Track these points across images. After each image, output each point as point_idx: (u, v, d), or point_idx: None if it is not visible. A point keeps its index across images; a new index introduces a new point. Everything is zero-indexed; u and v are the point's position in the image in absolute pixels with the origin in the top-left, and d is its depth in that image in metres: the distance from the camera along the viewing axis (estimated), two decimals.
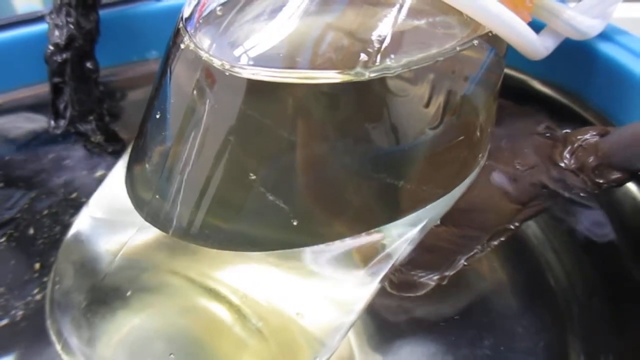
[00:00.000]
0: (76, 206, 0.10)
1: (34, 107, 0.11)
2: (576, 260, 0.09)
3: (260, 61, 0.07)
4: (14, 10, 0.23)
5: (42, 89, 0.11)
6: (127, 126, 0.12)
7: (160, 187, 0.08)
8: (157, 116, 0.08)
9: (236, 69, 0.07)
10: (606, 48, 0.09)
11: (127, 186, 0.08)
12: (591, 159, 0.08)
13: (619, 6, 0.08)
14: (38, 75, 0.11)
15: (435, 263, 0.08)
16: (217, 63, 0.07)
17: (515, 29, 0.07)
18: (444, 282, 0.08)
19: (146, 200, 0.08)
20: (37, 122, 0.10)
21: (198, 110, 0.07)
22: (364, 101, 0.07)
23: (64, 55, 0.10)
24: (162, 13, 0.11)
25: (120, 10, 0.11)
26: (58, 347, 0.08)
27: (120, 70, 0.12)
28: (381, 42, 0.07)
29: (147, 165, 0.08)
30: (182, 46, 0.07)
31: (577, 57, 0.09)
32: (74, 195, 0.10)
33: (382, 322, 0.09)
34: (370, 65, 0.07)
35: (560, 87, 0.09)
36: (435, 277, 0.08)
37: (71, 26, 0.09)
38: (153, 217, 0.08)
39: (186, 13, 0.08)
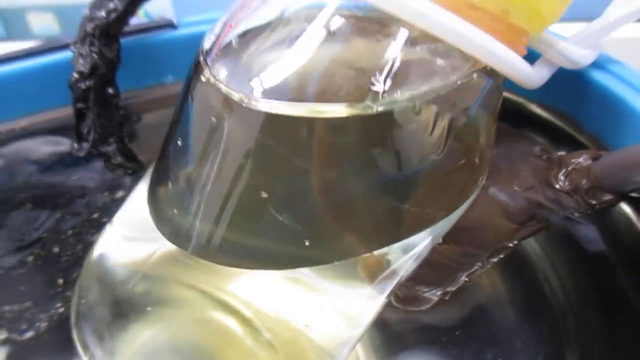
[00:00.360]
0: (98, 226, 0.10)
1: (58, 130, 0.11)
2: (572, 275, 0.10)
3: (274, 94, 0.08)
4: (29, 29, 0.23)
5: (65, 113, 0.12)
6: (144, 147, 0.12)
7: (181, 207, 0.08)
8: (179, 142, 0.08)
9: (252, 102, 0.07)
10: (598, 76, 0.09)
11: (149, 205, 0.09)
12: (584, 181, 0.08)
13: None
14: (61, 100, 0.11)
15: (438, 279, 0.09)
16: (234, 96, 0.08)
17: (510, 64, 0.07)
18: (447, 297, 0.09)
19: (167, 219, 0.09)
20: (61, 145, 0.11)
21: (217, 137, 0.08)
22: (371, 131, 0.07)
23: (88, 83, 0.10)
24: (178, 40, 0.12)
25: (139, 38, 0.12)
26: (85, 358, 0.09)
27: (138, 94, 0.12)
28: (388, 76, 0.07)
29: (169, 187, 0.09)
30: (203, 79, 0.08)
31: (572, 84, 0.09)
32: (96, 215, 0.10)
33: (389, 334, 0.10)
34: (377, 98, 0.07)
35: (555, 111, 0.10)
36: (438, 293, 0.09)
37: (95, 55, 0.10)
38: (174, 235, 0.08)
39: (206, 45, 0.09)
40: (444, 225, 0.09)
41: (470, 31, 0.07)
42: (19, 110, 0.12)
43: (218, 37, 0.09)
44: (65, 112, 0.12)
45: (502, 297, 0.10)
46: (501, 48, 0.07)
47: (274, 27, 0.09)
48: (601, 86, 0.09)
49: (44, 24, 0.21)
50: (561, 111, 0.10)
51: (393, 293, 0.09)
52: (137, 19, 0.12)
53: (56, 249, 0.10)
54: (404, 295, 0.09)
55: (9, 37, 0.22)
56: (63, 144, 0.11)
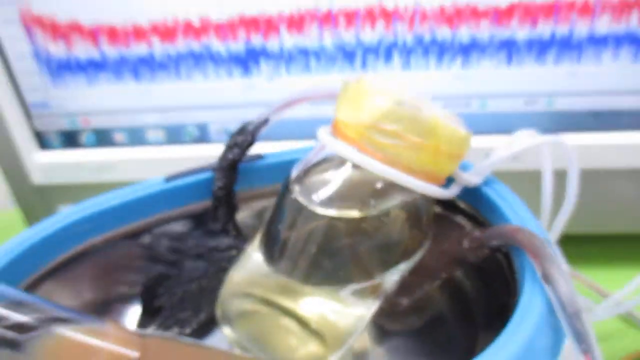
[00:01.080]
0: (226, 268, 0.19)
1: (199, 215, 0.21)
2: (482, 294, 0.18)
3: (321, 203, 0.16)
4: (146, 139, 0.33)
5: (200, 206, 0.21)
6: (242, 224, 0.21)
7: (281, 255, 0.17)
8: (279, 224, 0.17)
9: (311, 207, 0.16)
10: (485, 189, 0.18)
11: (263, 254, 0.18)
12: (478, 243, 0.17)
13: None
14: (203, 197, 0.20)
15: (403, 293, 0.17)
16: (303, 202, 0.17)
17: (433, 191, 0.16)
18: (405, 304, 0.17)
19: (274, 259, 0.17)
20: (201, 224, 0.20)
21: (298, 222, 0.17)
22: (370, 223, 0.16)
23: (221, 193, 0.19)
24: (262, 165, 0.21)
25: (243, 163, 0.21)
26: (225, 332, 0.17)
27: (239, 194, 0.22)
28: (375, 195, 0.16)
29: (275, 246, 0.17)
30: (289, 193, 0.17)
31: (474, 192, 0.18)
32: (223, 263, 0.19)
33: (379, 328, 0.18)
34: (371, 208, 0.16)
35: (467, 203, 0.19)
36: (404, 301, 0.17)
37: (227, 178, 0.19)
38: (276, 268, 0.17)
39: (293, 175, 0.18)
40: (409, 264, 0.17)
41: (410, 180, 0.16)
42: (176, 204, 0.21)
43: (300, 172, 0.17)
44: (199, 206, 0.21)
45: (441, 309, 0.18)
46: (423, 185, 0.16)
47: (323, 165, 0.18)
48: (485, 193, 0.18)
49: (156, 137, 0.31)
50: (471, 204, 0.19)
51: (381, 301, 0.17)
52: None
53: (205, 282, 0.19)
54: (385, 302, 0.18)
55: (131, 143, 0.32)
56: (203, 223, 0.20)
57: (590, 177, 0.23)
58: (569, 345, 0.14)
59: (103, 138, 0.29)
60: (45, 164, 0.29)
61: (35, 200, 0.29)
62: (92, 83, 0.27)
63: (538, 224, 0.16)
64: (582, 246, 0.28)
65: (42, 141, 0.29)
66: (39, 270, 0.17)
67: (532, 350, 0.13)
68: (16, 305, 0.15)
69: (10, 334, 0.15)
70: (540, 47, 0.24)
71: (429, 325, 0.17)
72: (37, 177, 0.29)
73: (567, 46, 0.24)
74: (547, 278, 0.14)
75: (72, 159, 0.28)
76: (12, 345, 0.15)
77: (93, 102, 0.28)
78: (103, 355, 0.15)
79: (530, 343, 0.13)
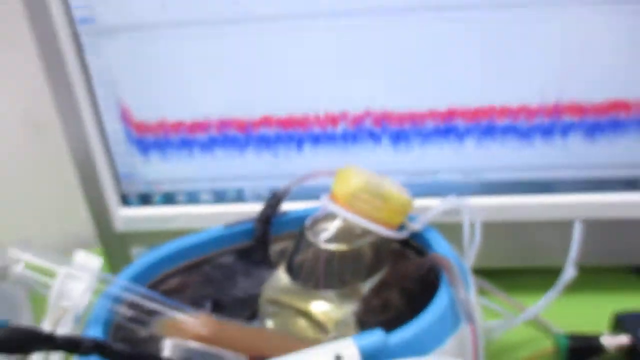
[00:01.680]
0: (261, 285, 0.30)
1: (245, 250, 0.32)
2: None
3: (325, 241, 0.27)
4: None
5: (249, 244, 0.32)
6: (274, 257, 0.32)
7: (299, 272, 0.28)
8: (298, 254, 0.28)
9: (319, 244, 0.27)
10: (424, 231, 0.29)
11: (287, 273, 0.28)
12: (419, 265, 0.28)
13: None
14: (248, 239, 0.32)
15: (374, 296, 0.28)
16: (313, 240, 0.28)
17: (388, 234, 0.27)
18: (375, 304, 0.28)
19: (294, 275, 0.28)
20: (245, 257, 0.31)
21: (310, 254, 0.28)
22: (353, 252, 0.27)
23: (260, 237, 0.31)
24: (284, 218, 0.33)
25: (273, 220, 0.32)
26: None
27: (272, 236, 0.33)
28: (356, 237, 0.27)
29: (294, 267, 0.28)
30: (306, 237, 0.28)
31: (418, 234, 0.29)
32: (260, 282, 0.30)
33: (358, 319, 0.29)
34: (353, 245, 0.27)
35: (414, 241, 0.30)
36: (375, 301, 0.28)
37: (263, 228, 0.31)
38: (297, 281, 0.28)
39: (307, 224, 0.29)
40: (377, 278, 0.28)
41: (376, 227, 0.27)
42: (230, 244, 0.32)
43: (309, 221, 0.29)
44: (245, 244, 0.32)
45: (399, 307, 0.28)
46: (387, 231, 0.27)
47: (325, 218, 0.29)
48: (424, 235, 0.29)
49: (207, 198, 0.42)
50: (416, 242, 0.30)
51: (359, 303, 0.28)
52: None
53: (249, 292, 0.30)
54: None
55: (188, 202, 0.43)
56: (247, 257, 0.31)
57: (516, 227, 0.35)
58: (464, 325, 0.25)
59: (169, 199, 0.40)
60: (126, 217, 0.40)
61: (115, 242, 0.41)
62: (164, 160, 0.39)
63: (454, 254, 0.27)
64: (515, 276, 0.39)
65: (125, 200, 0.40)
66: (151, 280, 0.28)
67: (440, 322, 0.24)
68: (144, 298, 0.26)
69: (142, 316, 0.26)
70: (477, 136, 0.36)
71: (391, 316, 0.28)
72: (119, 226, 0.40)
73: (490, 134, 0.36)
74: (452, 284, 0.25)
75: (145, 213, 0.40)
76: (143, 323, 0.26)
77: (163, 174, 0.39)
78: (188, 330, 0.25)
79: (440, 318, 0.24)
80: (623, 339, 0.34)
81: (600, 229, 0.37)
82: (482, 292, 0.37)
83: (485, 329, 0.34)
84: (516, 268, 0.40)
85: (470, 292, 0.26)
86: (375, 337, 0.21)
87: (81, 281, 0.24)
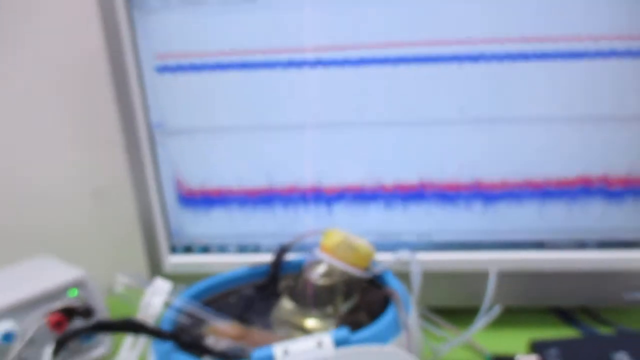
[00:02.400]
0: (272, 309, 0.44)
1: (262, 286, 0.46)
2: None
3: (317, 278, 0.42)
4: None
5: (265, 281, 0.46)
6: (281, 289, 0.46)
7: (299, 299, 0.42)
8: (298, 286, 0.42)
9: (313, 279, 0.42)
10: (384, 273, 0.43)
11: (290, 299, 0.42)
12: (380, 294, 0.41)
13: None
14: (263, 277, 0.46)
15: (349, 314, 0.42)
16: (309, 277, 0.42)
17: (359, 273, 0.42)
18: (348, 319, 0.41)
19: (296, 301, 0.42)
20: (262, 290, 0.45)
21: (307, 286, 0.41)
22: (334, 286, 0.41)
23: (273, 275, 0.45)
24: (291, 263, 0.47)
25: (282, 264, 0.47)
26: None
27: (281, 275, 0.47)
28: (338, 275, 0.41)
29: (295, 295, 0.42)
30: (304, 274, 0.42)
31: (380, 275, 0.44)
32: (271, 307, 0.44)
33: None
34: (336, 280, 0.41)
35: (376, 279, 0.44)
36: (349, 317, 0.41)
37: (274, 270, 0.45)
38: (297, 305, 0.41)
39: (304, 266, 0.43)
40: (351, 302, 0.41)
41: (350, 269, 0.41)
42: (250, 280, 0.46)
43: (306, 264, 0.43)
44: (262, 281, 0.46)
45: (364, 322, 0.42)
46: (359, 271, 0.41)
47: (316, 262, 0.43)
48: (384, 276, 0.43)
49: (233, 248, 0.57)
50: (377, 280, 0.44)
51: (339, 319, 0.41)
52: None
53: (264, 313, 0.43)
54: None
55: (219, 252, 0.57)
56: (263, 290, 0.45)
57: (456, 275, 0.48)
58: (405, 332, 0.38)
59: (205, 249, 0.55)
60: (173, 263, 0.54)
61: None
62: (203, 222, 0.54)
63: (402, 288, 0.41)
64: (460, 313, 0.52)
65: (173, 249, 0.55)
66: (199, 300, 0.42)
67: (387, 328, 0.38)
68: (196, 310, 0.40)
69: (194, 322, 0.40)
70: (434, 203, 0.51)
71: (359, 328, 0.41)
72: (168, 269, 0.54)
73: (445, 199, 0.51)
74: (397, 306, 0.39)
75: (188, 260, 0.54)
76: (195, 326, 0.40)
77: (200, 232, 0.54)
78: (227, 332, 0.39)
79: (387, 326, 0.38)
80: (532, 358, 0.47)
81: (521, 280, 0.51)
82: (432, 322, 0.51)
83: (434, 349, 0.48)
84: (461, 307, 0.53)
85: (409, 313, 0.40)
86: (343, 332, 0.35)
87: (159, 296, 0.38)
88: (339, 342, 0.34)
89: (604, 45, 0.45)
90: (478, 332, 0.48)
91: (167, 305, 0.39)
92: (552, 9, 0.45)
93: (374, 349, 0.34)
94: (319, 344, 0.34)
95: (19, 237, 0.67)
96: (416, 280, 0.43)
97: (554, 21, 0.45)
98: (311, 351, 0.34)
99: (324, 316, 0.41)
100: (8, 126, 0.65)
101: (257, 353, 0.34)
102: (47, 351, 0.33)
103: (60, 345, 0.33)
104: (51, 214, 0.67)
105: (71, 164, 0.66)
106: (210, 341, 0.38)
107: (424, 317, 0.50)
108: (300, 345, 0.34)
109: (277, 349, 0.34)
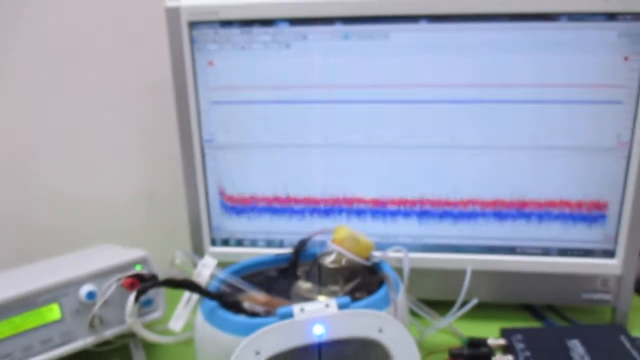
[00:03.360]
0: (291, 287, 0.56)
1: (284, 269, 0.58)
2: None
3: (329, 263, 0.54)
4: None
5: (287, 265, 0.58)
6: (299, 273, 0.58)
7: (314, 278, 0.53)
8: (313, 269, 0.54)
9: (325, 263, 0.54)
10: (381, 262, 0.55)
11: (306, 280, 0.54)
12: (377, 277, 0.53)
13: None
14: (287, 262, 0.58)
15: (353, 289, 0.53)
16: (322, 262, 0.54)
17: (362, 261, 0.54)
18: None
19: (310, 280, 0.53)
20: (284, 272, 0.57)
21: (321, 269, 0.53)
22: (343, 269, 0.53)
23: (293, 261, 0.57)
24: (307, 253, 0.59)
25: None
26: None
27: (299, 262, 0.59)
28: (345, 261, 0.53)
29: (311, 276, 0.54)
30: (318, 261, 0.54)
31: (377, 263, 0.56)
32: (291, 286, 0.56)
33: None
34: (343, 265, 0.53)
35: (375, 266, 0.56)
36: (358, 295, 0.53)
37: (295, 257, 0.57)
38: (312, 283, 0.53)
39: (318, 254, 0.55)
40: (355, 282, 0.53)
41: (355, 257, 0.53)
42: (275, 264, 0.58)
43: (320, 253, 0.55)
44: (284, 265, 0.58)
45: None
46: (361, 260, 0.53)
47: (328, 251, 0.55)
48: (380, 264, 0.55)
49: (262, 243, 0.69)
50: (375, 267, 0.56)
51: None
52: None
53: (285, 290, 0.56)
54: None
55: (250, 246, 0.70)
56: (285, 272, 0.57)
57: (445, 273, 0.60)
58: (393, 305, 0.50)
59: (239, 243, 0.67)
60: (213, 253, 0.67)
61: None
62: (239, 221, 0.66)
63: (394, 274, 0.53)
64: (444, 304, 0.63)
65: (214, 242, 0.68)
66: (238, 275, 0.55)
67: (380, 300, 0.49)
68: (234, 281, 0.53)
69: (233, 290, 0.52)
70: (419, 217, 0.63)
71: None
72: None
73: (426, 216, 0.63)
74: (389, 286, 0.51)
75: (225, 251, 0.67)
76: (233, 294, 0.52)
77: (237, 228, 0.67)
78: (257, 299, 0.52)
79: (380, 298, 0.50)
80: (501, 341, 0.58)
81: (496, 279, 0.62)
82: (421, 309, 0.62)
83: (421, 330, 0.59)
84: (445, 300, 0.64)
85: (399, 293, 0.52)
86: (345, 300, 0.47)
87: (207, 269, 0.51)
88: (342, 306, 0.46)
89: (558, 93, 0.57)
90: (458, 321, 0.59)
91: (212, 277, 0.52)
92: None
93: (367, 311, 0.46)
94: (327, 306, 0.46)
95: (84, 233, 0.81)
96: (406, 269, 0.55)
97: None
98: (321, 310, 0.46)
99: (332, 293, 0.53)
100: (85, 138, 0.80)
101: (281, 310, 0.45)
102: (130, 298, 0.46)
103: (140, 293, 0.46)
104: (113, 213, 0.81)
105: (133, 172, 0.80)
106: (245, 305, 0.51)
107: (413, 306, 0.61)
108: (312, 306, 0.46)
109: (296, 308, 0.46)
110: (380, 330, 0.45)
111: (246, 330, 0.44)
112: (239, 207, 0.65)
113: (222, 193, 0.65)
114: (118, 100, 0.77)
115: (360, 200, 0.63)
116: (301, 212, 0.64)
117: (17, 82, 0.76)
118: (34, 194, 0.81)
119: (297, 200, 0.63)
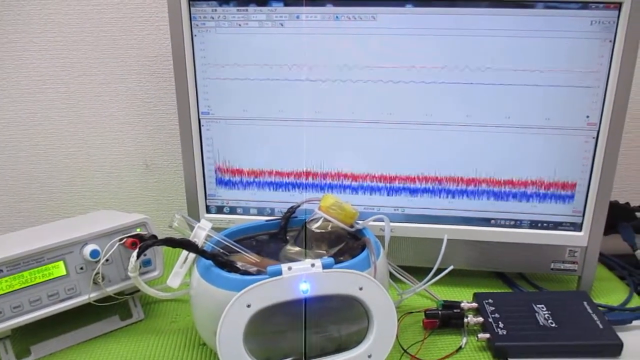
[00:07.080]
0: (281, 250, 0.60)
1: (274, 233, 0.63)
2: None
3: (315, 228, 0.58)
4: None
5: (276, 230, 0.63)
6: (287, 238, 0.63)
7: (301, 242, 0.58)
8: (301, 233, 0.59)
9: (312, 228, 0.58)
10: (363, 229, 0.60)
11: (294, 243, 0.59)
12: (360, 242, 0.58)
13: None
14: (277, 227, 0.62)
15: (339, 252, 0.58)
16: (310, 227, 0.58)
17: (346, 228, 0.58)
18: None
19: (298, 244, 0.58)
20: (274, 236, 0.62)
21: (309, 234, 0.58)
22: (328, 234, 0.58)
23: (283, 226, 0.62)
24: (296, 219, 0.64)
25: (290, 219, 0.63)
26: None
27: (288, 227, 0.63)
28: (330, 226, 0.58)
29: (299, 240, 0.58)
30: (307, 226, 0.58)
31: (361, 229, 0.60)
32: (281, 248, 0.60)
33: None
34: (329, 229, 0.58)
35: (358, 232, 0.61)
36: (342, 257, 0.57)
37: (284, 222, 0.62)
38: (300, 246, 0.58)
39: (307, 220, 0.59)
40: (339, 246, 0.58)
41: (340, 224, 0.58)
42: (266, 229, 0.63)
43: (308, 219, 0.59)
44: (274, 230, 0.63)
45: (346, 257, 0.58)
46: (346, 227, 0.58)
47: (315, 217, 0.59)
48: (364, 230, 0.60)
49: (254, 211, 0.74)
50: (359, 233, 0.60)
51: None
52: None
53: (274, 251, 0.60)
54: None
55: (243, 213, 0.74)
56: (275, 236, 0.62)
57: (421, 241, 0.65)
58: (374, 266, 0.55)
59: (233, 210, 0.72)
60: (208, 219, 0.71)
61: None
62: (233, 190, 0.71)
63: (375, 239, 0.58)
64: (422, 270, 0.68)
65: (208, 209, 0.72)
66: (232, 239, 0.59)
67: (361, 262, 0.54)
68: (228, 243, 0.57)
69: (225, 251, 0.57)
70: (405, 192, 0.67)
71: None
72: None
73: (412, 191, 0.67)
74: (370, 249, 0.56)
75: (219, 218, 0.71)
76: (227, 254, 0.57)
77: (231, 197, 0.71)
78: (249, 259, 0.56)
79: (361, 259, 0.54)
80: (474, 304, 0.63)
81: (471, 247, 0.67)
82: (400, 274, 0.67)
83: (400, 293, 0.64)
84: (423, 266, 0.69)
85: (379, 257, 0.56)
86: (330, 260, 0.51)
87: (203, 231, 0.55)
88: (326, 266, 0.51)
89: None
90: (435, 286, 0.64)
91: (208, 238, 0.56)
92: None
93: (349, 271, 0.51)
94: (313, 265, 0.51)
95: (87, 199, 0.85)
96: (387, 235, 0.60)
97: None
98: (307, 269, 0.50)
99: (318, 256, 0.58)
100: (87, 109, 0.83)
101: (271, 268, 0.50)
102: (133, 254, 0.50)
103: (142, 250, 0.50)
104: (114, 181, 0.85)
105: (132, 142, 0.84)
106: (238, 264, 0.55)
107: (394, 271, 0.66)
108: (299, 265, 0.50)
109: (284, 266, 0.50)
110: (361, 289, 0.50)
111: (238, 286, 0.48)
112: (233, 177, 0.70)
113: (216, 164, 0.69)
114: (118, 73, 0.80)
115: (346, 175, 0.67)
116: (290, 185, 0.68)
117: (23, 55, 0.79)
118: (37, 163, 0.84)
119: (287, 174, 0.68)
